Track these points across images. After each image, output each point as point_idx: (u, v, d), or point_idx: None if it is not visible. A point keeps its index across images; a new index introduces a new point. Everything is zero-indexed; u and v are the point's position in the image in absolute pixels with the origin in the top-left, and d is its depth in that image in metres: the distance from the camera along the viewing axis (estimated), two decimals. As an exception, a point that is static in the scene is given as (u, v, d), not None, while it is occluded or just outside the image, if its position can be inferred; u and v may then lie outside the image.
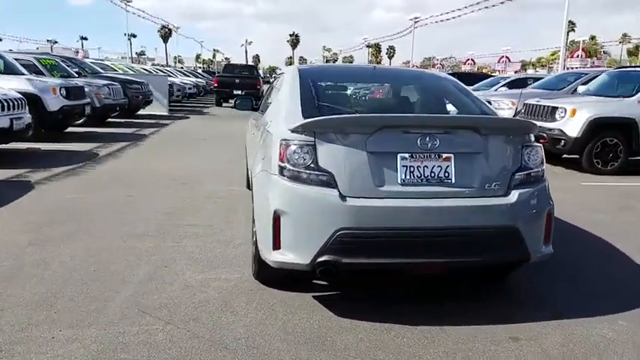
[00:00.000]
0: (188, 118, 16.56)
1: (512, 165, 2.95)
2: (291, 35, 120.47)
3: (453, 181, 2.84)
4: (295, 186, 2.78)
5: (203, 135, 11.77)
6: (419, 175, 2.81)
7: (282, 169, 2.83)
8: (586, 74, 11.01)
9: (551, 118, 8.02)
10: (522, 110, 8.92)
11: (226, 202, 5.61)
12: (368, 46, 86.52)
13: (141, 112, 15.95)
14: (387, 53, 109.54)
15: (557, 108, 8.02)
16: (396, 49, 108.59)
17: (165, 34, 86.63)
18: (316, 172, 2.77)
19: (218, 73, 29.05)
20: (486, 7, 38.82)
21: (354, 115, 3.28)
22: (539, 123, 3.82)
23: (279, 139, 2.89)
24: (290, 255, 2.80)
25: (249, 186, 5.96)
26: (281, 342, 2.67)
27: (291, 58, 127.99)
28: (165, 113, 17.19)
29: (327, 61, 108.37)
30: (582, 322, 3.00)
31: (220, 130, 12.92)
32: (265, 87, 27.85)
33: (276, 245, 2.83)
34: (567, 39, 30.82)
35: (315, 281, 3.40)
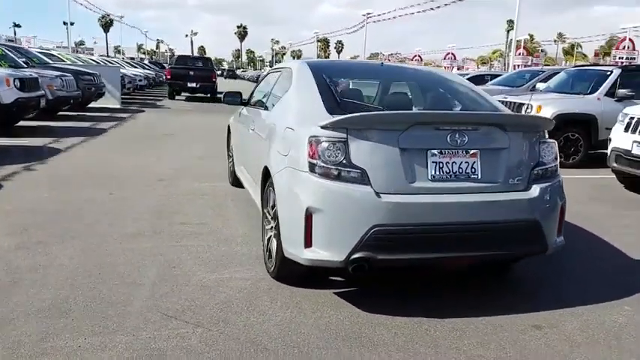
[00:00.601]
0: (143, 111, 15.93)
1: (531, 160, 3.06)
2: (238, 27, 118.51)
3: (479, 176, 2.92)
4: (329, 183, 2.76)
5: (166, 129, 11.37)
6: (447, 171, 2.87)
7: (312, 166, 2.80)
8: (542, 72, 11.57)
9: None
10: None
11: (212, 199, 5.47)
12: (318, 41, 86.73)
13: (92, 104, 15.16)
14: (335, 48, 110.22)
15: (523, 104, 8.38)
16: (344, 44, 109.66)
17: (107, 23, 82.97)
18: (348, 169, 2.76)
19: (170, 64, 28.03)
20: (438, 7, 39.82)
21: (388, 111, 3.29)
22: None
23: (307, 136, 2.84)
24: (323, 252, 2.78)
25: (233, 182, 5.86)
26: (318, 340, 2.65)
27: (238, 50, 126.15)
28: (118, 106, 16.46)
29: (275, 54, 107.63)
30: (592, 308, 3.17)
31: (182, 125, 12.56)
32: (220, 79, 27.26)
33: (308, 243, 2.80)
34: (509, 38, 32.21)
35: (331, 277, 3.40)
